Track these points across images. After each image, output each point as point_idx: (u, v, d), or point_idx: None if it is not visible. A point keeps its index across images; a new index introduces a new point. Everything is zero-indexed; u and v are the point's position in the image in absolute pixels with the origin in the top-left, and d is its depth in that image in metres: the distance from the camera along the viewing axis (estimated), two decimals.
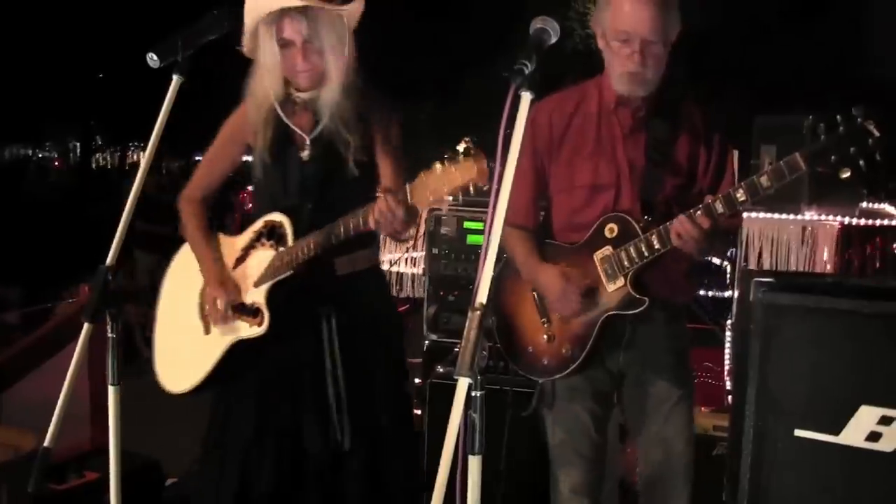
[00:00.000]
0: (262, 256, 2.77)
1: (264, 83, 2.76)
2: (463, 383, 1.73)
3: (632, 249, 2.62)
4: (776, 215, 4.72)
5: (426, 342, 4.15)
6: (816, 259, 4.58)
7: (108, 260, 2.21)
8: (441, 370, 3.90)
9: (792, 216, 4.69)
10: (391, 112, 2.77)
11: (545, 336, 2.77)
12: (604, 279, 2.67)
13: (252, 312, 2.77)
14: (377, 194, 2.46)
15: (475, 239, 4.19)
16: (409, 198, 2.31)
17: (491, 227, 1.76)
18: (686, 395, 2.77)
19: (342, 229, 2.57)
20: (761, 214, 4.74)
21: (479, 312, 1.76)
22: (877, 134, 2.21)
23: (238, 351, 2.80)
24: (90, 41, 17.03)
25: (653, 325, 2.73)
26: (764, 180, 2.38)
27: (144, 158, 2.26)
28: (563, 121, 2.74)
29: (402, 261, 5.14)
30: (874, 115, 2.23)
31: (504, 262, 2.86)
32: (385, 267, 5.56)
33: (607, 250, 2.67)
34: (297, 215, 2.73)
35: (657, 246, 2.57)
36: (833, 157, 2.27)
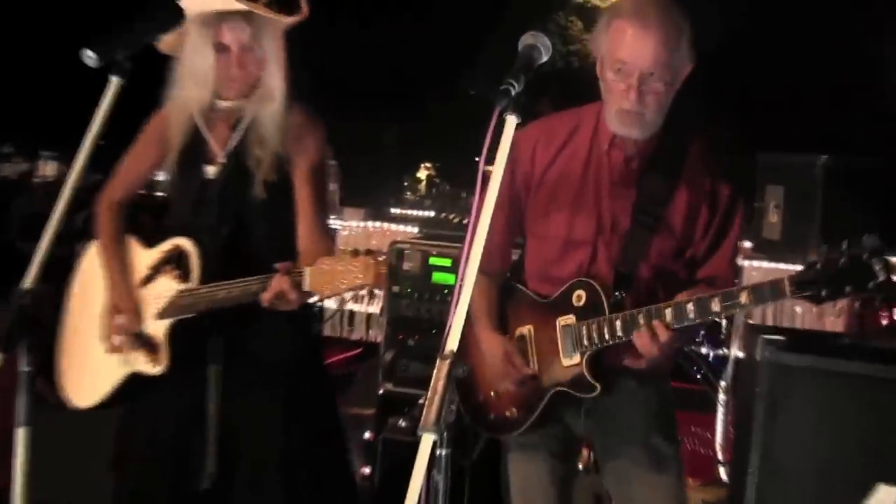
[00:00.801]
0: (166, 286, 2.83)
1: (190, 88, 2.81)
2: (427, 440, 1.73)
3: (593, 328, 2.58)
4: (781, 265, 4.70)
5: (381, 391, 4.13)
6: (826, 316, 4.57)
7: (27, 282, 2.16)
8: (397, 424, 3.89)
9: (799, 267, 4.60)
10: (316, 133, 2.84)
11: (493, 392, 2.78)
12: (560, 350, 2.64)
13: (150, 346, 2.82)
14: (277, 269, 2.55)
15: (442, 277, 4.21)
16: (305, 283, 2.48)
17: (466, 265, 1.76)
18: (669, 464, 2.72)
19: (231, 296, 2.64)
20: (764, 264, 4.74)
21: (448, 361, 1.77)
22: (881, 278, 2.13)
23: (135, 383, 2.86)
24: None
25: (622, 391, 2.68)
26: (743, 298, 2.32)
27: (74, 171, 2.22)
28: (548, 155, 2.71)
29: (356, 298, 5.23)
30: (886, 252, 2.13)
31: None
32: (332, 304, 5.61)
33: (570, 319, 2.63)
34: (209, 242, 2.80)
35: (619, 334, 2.52)
36: (824, 292, 2.21)
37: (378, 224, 5.60)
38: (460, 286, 1.83)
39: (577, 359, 2.61)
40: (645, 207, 2.61)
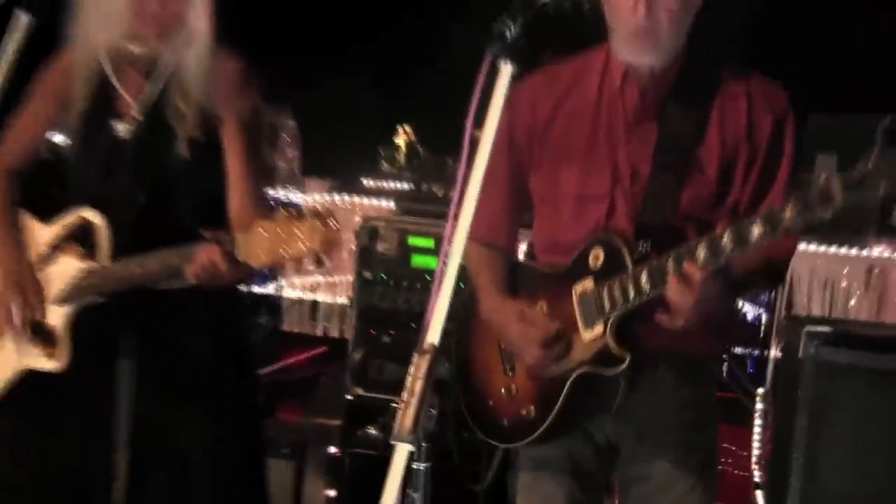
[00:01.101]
0: (68, 266, 2.84)
1: (96, 27, 2.80)
2: (401, 451, 1.76)
3: (615, 287, 2.61)
4: (832, 249, 4.69)
5: (348, 398, 4.16)
6: (885, 308, 4.59)
7: None
8: (368, 433, 3.90)
9: (854, 251, 4.65)
10: (249, 82, 2.86)
11: (504, 389, 2.82)
12: (580, 322, 2.69)
13: (46, 338, 2.84)
14: (204, 237, 2.56)
15: (423, 260, 4.22)
16: (239, 252, 2.47)
17: (450, 244, 1.80)
18: (702, 485, 2.77)
19: (147, 273, 2.67)
20: (811, 247, 4.73)
21: (427, 356, 1.80)
22: None
23: (27, 384, 2.87)
24: None
25: (657, 387, 2.75)
26: (787, 214, 2.29)
27: None
28: (550, 106, 2.77)
29: (320, 286, 5.29)
30: None
31: (470, 292, 2.93)
32: (293, 293, 5.59)
33: (588, 284, 2.68)
34: (121, 213, 2.81)
35: (646, 288, 2.55)
36: (882, 187, 2.20)
37: (347, 198, 5.59)
38: (444, 266, 1.86)
39: (599, 328, 2.64)
40: (669, 147, 2.65)
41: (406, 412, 1.75)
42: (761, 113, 2.65)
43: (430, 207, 4.55)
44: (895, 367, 2.24)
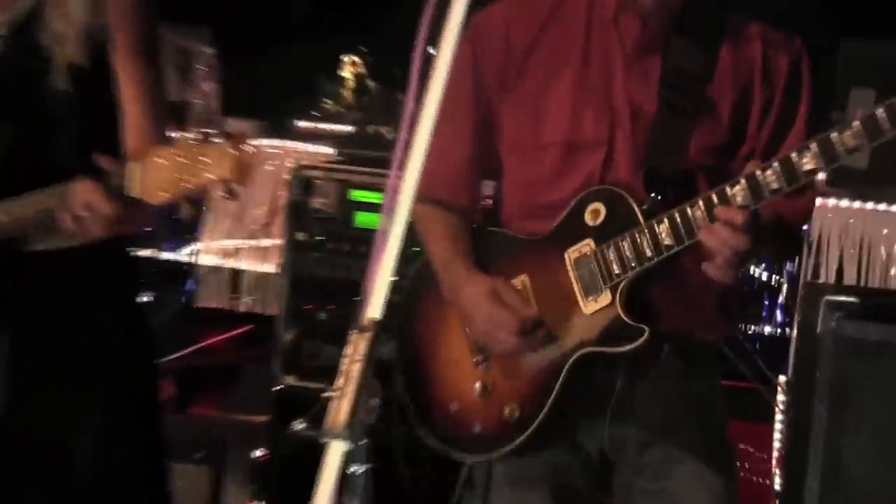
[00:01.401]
0: None
1: None
2: (335, 451, 1.76)
3: (626, 246, 2.64)
4: (869, 205, 4.73)
5: (277, 389, 4.17)
6: None
7: None
8: (295, 430, 3.90)
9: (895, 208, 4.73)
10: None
11: (478, 385, 2.80)
12: (579, 293, 2.70)
13: None
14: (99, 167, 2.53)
15: (369, 219, 4.24)
16: (132, 185, 2.43)
17: (394, 201, 1.80)
18: (727, 497, 2.79)
19: (12, 220, 2.67)
20: (843, 203, 4.76)
21: (368, 335, 1.80)
22: None
23: None
24: None
25: (663, 376, 2.77)
26: (847, 137, 2.39)
27: None
28: (528, 33, 2.79)
29: (243, 251, 5.23)
30: None
31: (421, 261, 2.95)
32: (210, 260, 5.60)
33: (586, 246, 2.69)
34: None
35: (668, 242, 2.60)
36: None
37: (278, 143, 5.54)
38: (386, 226, 1.86)
39: (606, 297, 2.66)
40: (676, 84, 2.70)
41: (340, 403, 1.75)
42: (777, 54, 2.73)
43: (378, 154, 4.54)
44: None
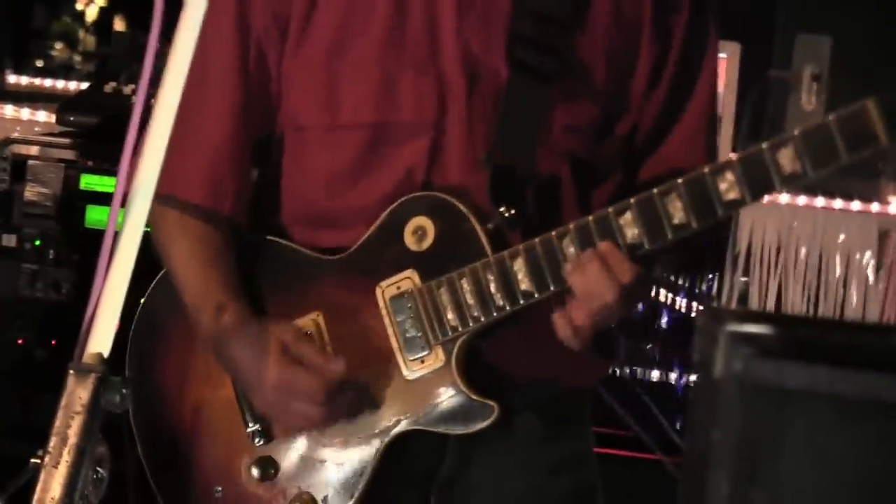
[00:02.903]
0: None
1: None
2: None
3: (465, 287, 2.55)
4: (819, 201, 4.74)
5: None
6: None
7: None
8: None
9: (858, 205, 4.72)
10: None
11: (254, 469, 2.69)
12: (397, 348, 2.62)
13: None
14: None
15: (105, 215, 3.82)
16: None
17: (131, 188, 1.80)
18: None
19: None
20: (782, 198, 4.74)
21: (92, 377, 1.76)
22: None
23: None
24: None
25: (510, 444, 2.71)
26: (784, 158, 2.29)
27: None
28: None
29: None
30: None
31: (164, 283, 2.80)
32: None
33: (407, 280, 2.61)
34: None
35: (525, 287, 2.50)
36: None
37: None
38: (114, 227, 1.79)
39: (436, 358, 2.58)
40: (531, 35, 2.61)
41: (52, 475, 1.73)
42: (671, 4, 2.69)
43: (122, 127, 4.40)
44: (877, 390, 1.91)
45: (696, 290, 5.01)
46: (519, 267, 2.51)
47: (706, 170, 2.36)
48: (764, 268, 4.79)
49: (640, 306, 4.70)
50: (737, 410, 1.96)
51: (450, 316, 2.57)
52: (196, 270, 2.74)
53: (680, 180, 2.38)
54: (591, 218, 2.44)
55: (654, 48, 2.68)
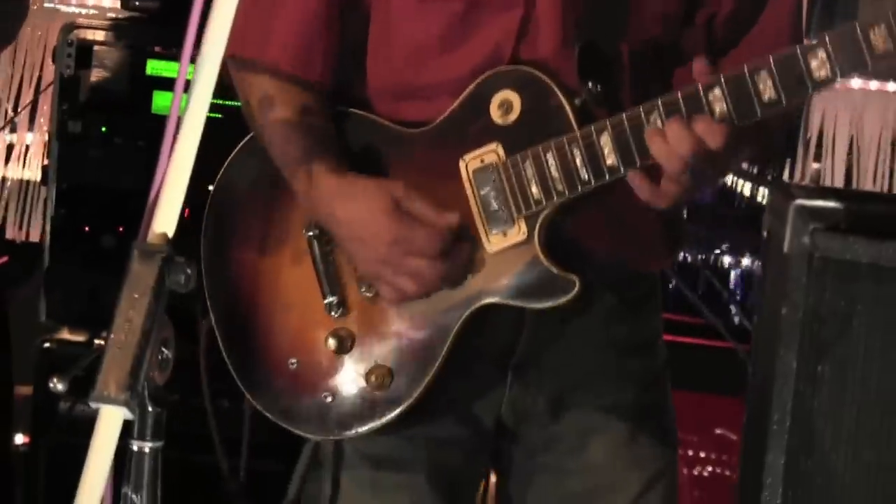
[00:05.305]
0: None
1: None
2: (110, 421, 1.76)
3: (550, 160, 2.59)
4: (892, 85, 4.86)
5: (41, 342, 4.20)
6: None
7: None
8: (60, 390, 3.98)
9: None
10: None
11: (331, 339, 2.74)
12: (480, 221, 2.67)
13: None
14: None
15: (170, 101, 4.24)
16: None
17: (196, 69, 1.84)
18: (664, 482, 2.86)
19: None
20: (854, 82, 4.86)
21: (157, 258, 1.81)
22: None
23: None
24: None
25: (583, 320, 2.76)
26: (877, 37, 2.35)
27: None
28: None
29: None
30: None
31: (239, 160, 2.86)
32: None
33: (492, 153, 2.65)
34: None
35: (611, 162, 2.54)
36: None
37: None
38: (179, 113, 1.85)
39: (518, 231, 2.63)
40: None
41: (117, 356, 1.74)
42: None
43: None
44: None
45: (768, 177, 5.08)
46: (605, 141, 2.57)
47: (797, 48, 2.42)
48: (836, 153, 4.93)
49: (711, 193, 4.96)
50: (804, 285, 2.17)
51: (534, 189, 2.64)
52: (294, 136, 2.81)
53: (771, 57, 2.42)
54: (679, 93, 2.49)
55: None
